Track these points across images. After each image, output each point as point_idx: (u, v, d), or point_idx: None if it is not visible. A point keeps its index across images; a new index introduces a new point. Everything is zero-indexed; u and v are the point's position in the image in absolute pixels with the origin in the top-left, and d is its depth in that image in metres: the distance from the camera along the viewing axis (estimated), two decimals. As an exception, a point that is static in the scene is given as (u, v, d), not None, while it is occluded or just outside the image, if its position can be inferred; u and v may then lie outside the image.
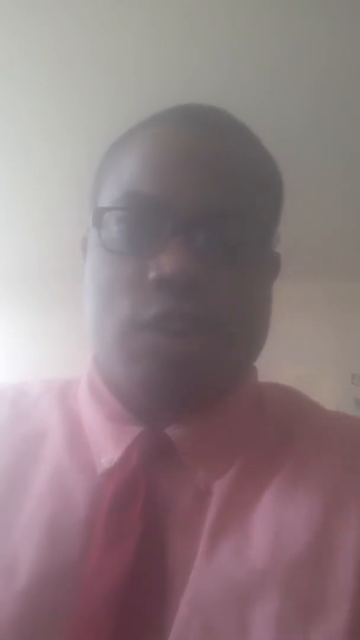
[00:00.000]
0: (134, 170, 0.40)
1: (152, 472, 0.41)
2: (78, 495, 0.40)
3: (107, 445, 0.42)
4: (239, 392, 0.45)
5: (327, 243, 2.28)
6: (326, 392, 2.38)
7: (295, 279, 2.40)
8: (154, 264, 0.37)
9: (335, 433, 0.44)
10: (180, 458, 0.41)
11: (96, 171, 0.47)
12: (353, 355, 2.58)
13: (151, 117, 0.45)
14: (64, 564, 0.36)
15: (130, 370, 0.39)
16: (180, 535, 0.38)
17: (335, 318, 2.64)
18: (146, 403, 0.42)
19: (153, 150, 0.41)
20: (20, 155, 1.62)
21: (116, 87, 1.31)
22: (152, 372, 0.38)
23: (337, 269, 2.58)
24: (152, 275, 0.37)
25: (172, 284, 0.37)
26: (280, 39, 1.15)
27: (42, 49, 1.20)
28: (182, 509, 0.39)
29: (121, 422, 0.43)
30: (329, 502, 0.38)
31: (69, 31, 1.14)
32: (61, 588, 0.35)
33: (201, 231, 0.38)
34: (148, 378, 0.38)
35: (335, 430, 0.45)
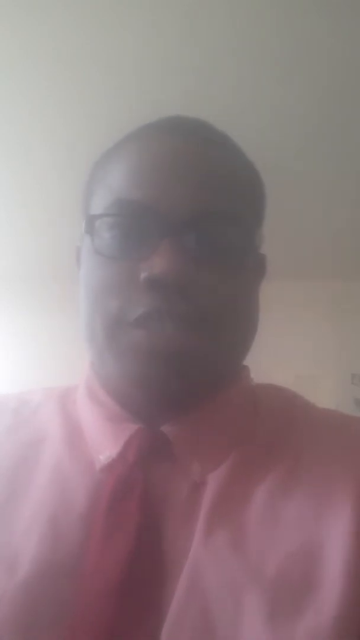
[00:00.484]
0: (122, 179, 0.42)
1: (149, 467, 0.42)
2: (78, 492, 0.42)
3: (106, 443, 0.44)
4: (231, 391, 0.47)
5: (328, 243, 2.29)
6: (326, 392, 2.38)
7: (295, 279, 2.41)
8: (145, 265, 0.39)
9: (329, 431, 0.46)
10: (176, 453, 0.43)
11: (86, 182, 0.49)
12: (353, 355, 2.59)
13: (137, 129, 0.47)
14: (65, 557, 0.38)
15: (122, 368, 0.41)
16: (177, 524, 0.39)
17: (335, 318, 2.64)
18: (142, 401, 0.43)
19: (140, 159, 0.42)
20: (20, 155, 1.62)
21: (116, 87, 1.31)
22: (143, 368, 0.39)
23: (337, 269, 2.58)
24: (143, 275, 0.39)
25: (162, 283, 0.38)
26: (280, 39, 1.15)
27: (42, 49, 1.20)
28: (178, 500, 0.41)
29: (119, 421, 0.45)
30: (321, 499, 0.39)
31: (69, 31, 1.14)
32: (62, 580, 0.37)
33: (189, 233, 0.40)
34: (140, 374, 0.40)
35: (329, 428, 0.46)
